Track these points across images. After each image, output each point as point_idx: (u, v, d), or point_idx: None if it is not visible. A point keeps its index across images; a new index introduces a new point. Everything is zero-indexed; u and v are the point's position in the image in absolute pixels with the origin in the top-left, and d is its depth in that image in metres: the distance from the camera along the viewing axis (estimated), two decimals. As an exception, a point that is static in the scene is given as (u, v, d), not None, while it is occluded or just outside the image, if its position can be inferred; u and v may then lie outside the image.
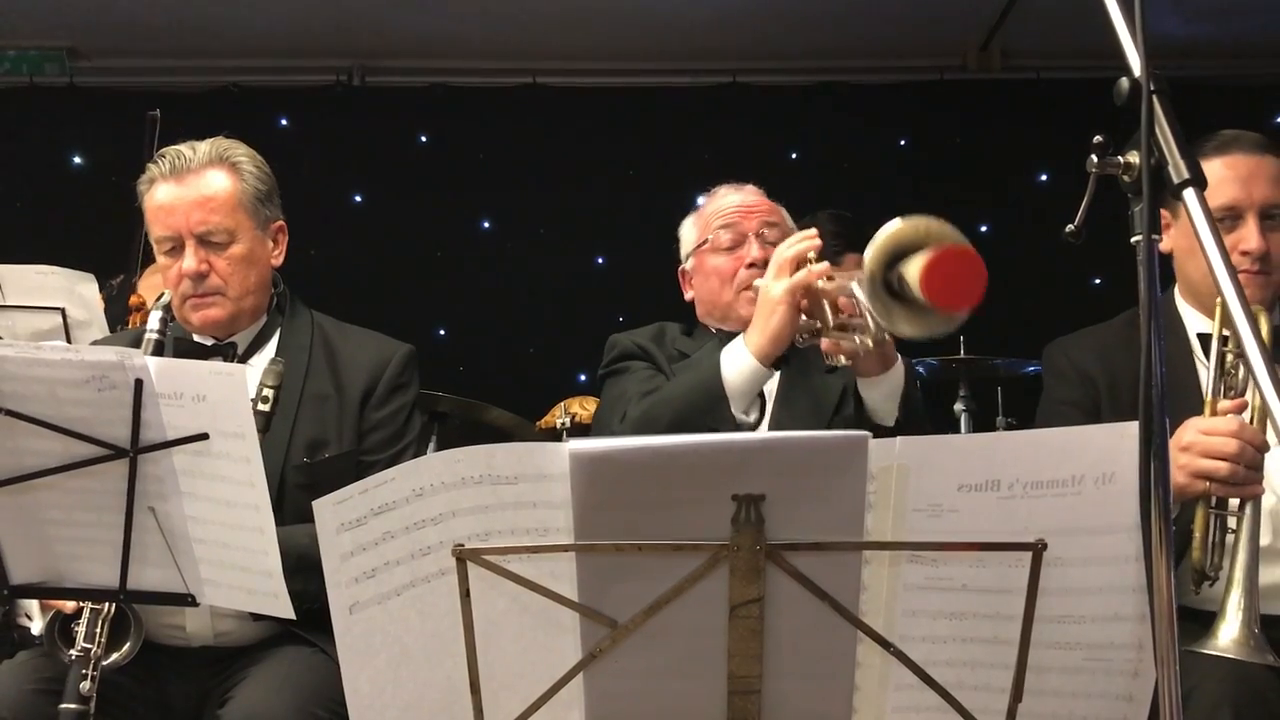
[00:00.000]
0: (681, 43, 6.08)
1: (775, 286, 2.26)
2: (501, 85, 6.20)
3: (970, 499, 1.38)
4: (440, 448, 3.78)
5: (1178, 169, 1.35)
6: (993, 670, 1.43)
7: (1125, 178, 1.41)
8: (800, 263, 2.27)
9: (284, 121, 6.15)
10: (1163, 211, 2.24)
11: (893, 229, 1.97)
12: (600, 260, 6.22)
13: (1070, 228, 1.49)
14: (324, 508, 1.37)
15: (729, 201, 2.64)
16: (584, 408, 3.92)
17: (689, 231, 2.73)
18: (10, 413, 1.71)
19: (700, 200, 2.76)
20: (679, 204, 5.82)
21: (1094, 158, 1.43)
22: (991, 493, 1.38)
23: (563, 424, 3.91)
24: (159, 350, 2.23)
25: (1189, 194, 1.34)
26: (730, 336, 2.44)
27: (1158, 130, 1.37)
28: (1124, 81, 1.39)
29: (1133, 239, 1.40)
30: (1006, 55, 6.36)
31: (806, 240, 2.30)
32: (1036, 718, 1.43)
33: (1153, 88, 1.37)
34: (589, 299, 6.00)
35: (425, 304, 5.93)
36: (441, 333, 6.01)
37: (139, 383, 1.70)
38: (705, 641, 1.40)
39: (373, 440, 2.45)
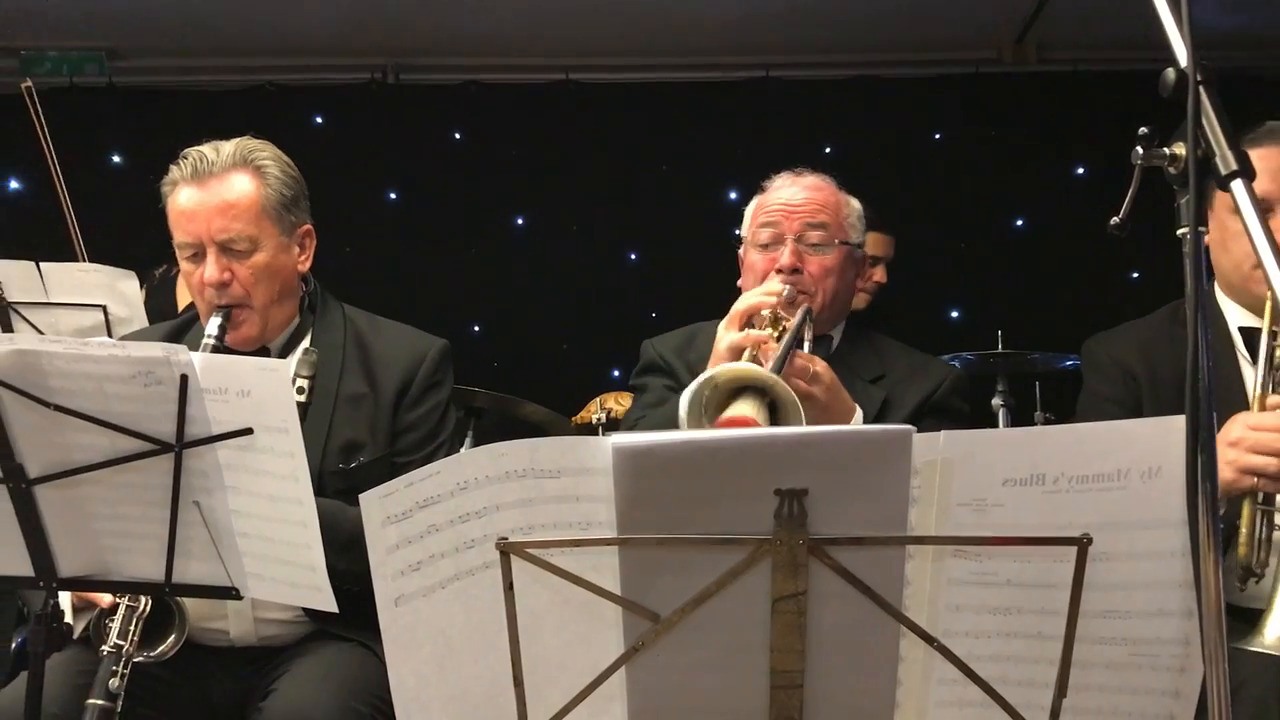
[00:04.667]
0: (715, 38, 6.07)
1: (723, 338, 2.27)
2: (535, 82, 6.21)
3: (1015, 493, 1.37)
4: (476, 443, 3.79)
5: (1225, 160, 1.34)
6: (1037, 665, 1.42)
7: (1171, 170, 1.40)
8: (753, 315, 2.28)
9: (319, 120, 6.19)
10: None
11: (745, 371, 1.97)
12: (633, 256, 6.23)
13: (1115, 221, 1.48)
14: (370, 501, 1.38)
15: (778, 197, 2.56)
16: (619, 403, 3.93)
17: (746, 217, 2.65)
18: (59, 408, 1.73)
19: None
20: (712, 200, 5.90)
21: (1139, 150, 1.42)
22: (1036, 487, 1.37)
23: (598, 419, 3.91)
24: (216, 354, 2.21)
25: (1237, 186, 1.33)
26: None
27: (1204, 121, 1.36)
28: (1170, 72, 1.38)
29: (1178, 231, 1.39)
30: (1042, 48, 6.31)
31: (764, 295, 2.32)
32: (1081, 713, 1.42)
33: (1199, 78, 1.36)
34: (622, 295, 6.01)
35: (459, 300, 5.97)
36: (476, 329, 6.04)
37: (184, 378, 1.71)
38: (747, 636, 1.39)
39: (407, 441, 2.43)
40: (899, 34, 6.04)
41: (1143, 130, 1.41)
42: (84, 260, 3.83)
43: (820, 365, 2.24)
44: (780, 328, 2.29)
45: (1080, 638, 1.39)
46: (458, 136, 6.25)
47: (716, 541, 1.35)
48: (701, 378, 1.96)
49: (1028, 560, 1.40)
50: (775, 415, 1.94)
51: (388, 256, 5.93)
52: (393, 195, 6.22)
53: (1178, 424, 1.35)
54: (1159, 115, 1.48)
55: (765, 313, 2.29)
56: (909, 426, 1.31)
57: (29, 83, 3.91)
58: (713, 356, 2.28)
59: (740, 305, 2.30)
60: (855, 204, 2.61)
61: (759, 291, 2.35)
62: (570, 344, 6.04)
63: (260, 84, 6.16)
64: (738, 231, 2.65)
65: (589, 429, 3.95)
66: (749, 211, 2.63)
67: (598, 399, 4.06)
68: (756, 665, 1.41)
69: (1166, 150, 1.40)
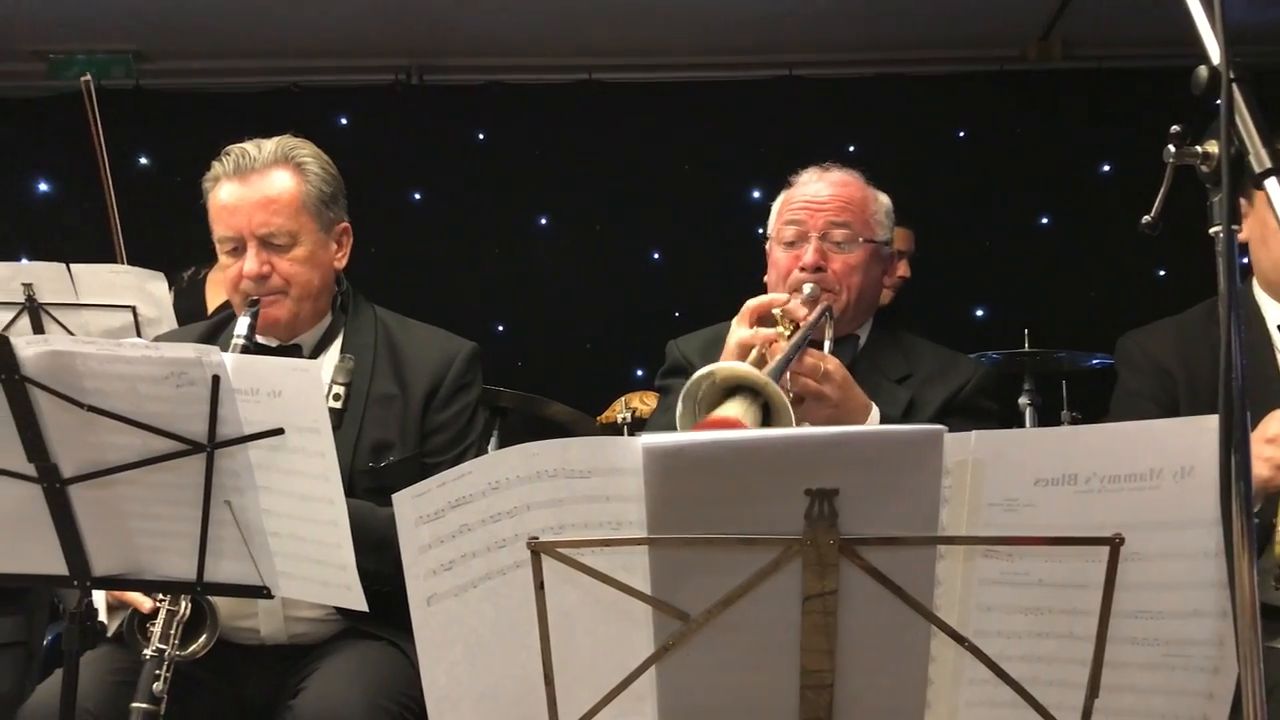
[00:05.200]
0: (737, 36, 6.07)
1: (733, 333, 2.26)
2: (558, 82, 6.23)
3: (1046, 493, 1.36)
4: (501, 443, 3.82)
5: (1259, 158, 1.33)
6: (1068, 665, 1.41)
7: (1204, 168, 1.39)
8: (765, 314, 2.27)
9: (343, 121, 6.22)
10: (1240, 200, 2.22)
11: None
12: (656, 256, 6.24)
13: (1146, 219, 1.47)
14: (403, 501, 1.39)
15: (804, 193, 2.52)
16: (644, 402, 3.93)
17: (772, 212, 2.62)
18: (93, 408, 1.74)
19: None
20: (735, 199, 5.89)
21: (1171, 148, 1.41)
22: (1068, 487, 1.36)
23: (623, 419, 3.92)
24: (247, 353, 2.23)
25: (1271, 184, 1.32)
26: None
27: (1237, 119, 1.35)
28: (1202, 70, 1.37)
29: (1211, 230, 1.38)
30: (1067, 45, 6.28)
31: (777, 294, 2.31)
32: (1114, 714, 1.41)
33: (1232, 75, 1.35)
34: (645, 295, 6.02)
35: (484, 300, 5.99)
36: (500, 329, 6.05)
37: (216, 379, 1.72)
38: (778, 636, 1.39)
39: (436, 442, 2.45)
40: (923, 32, 6.02)
41: (1175, 128, 1.40)
42: (124, 261, 3.86)
43: (832, 364, 2.22)
44: (794, 326, 2.27)
45: (1112, 638, 1.38)
46: (481, 137, 6.27)
47: (747, 541, 1.35)
48: (701, 372, 1.95)
49: (1059, 560, 1.39)
50: (768, 417, 1.93)
51: (412, 257, 5.96)
52: (417, 196, 6.24)
53: (1210, 423, 1.34)
54: (1186, 112, 1.47)
55: (777, 311, 2.27)
56: (940, 426, 1.31)
57: (87, 77, 3.96)
58: (724, 352, 2.28)
59: (752, 301, 2.29)
60: (884, 199, 2.57)
61: (772, 294, 2.35)
62: (594, 344, 6.05)
63: (285, 85, 6.20)
64: (761, 230, 2.63)
65: (614, 429, 3.96)
66: (775, 207, 2.60)
67: (623, 398, 4.06)
68: (786, 665, 1.41)
69: (1199, 148, 1.39)
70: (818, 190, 2.50)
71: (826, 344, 2.34)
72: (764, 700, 1.43)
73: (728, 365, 1.99)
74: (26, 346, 1.71)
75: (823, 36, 6.06)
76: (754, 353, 2.19)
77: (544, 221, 6.25)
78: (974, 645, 1.40)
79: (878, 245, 2.52)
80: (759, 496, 1.33)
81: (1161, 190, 1.44)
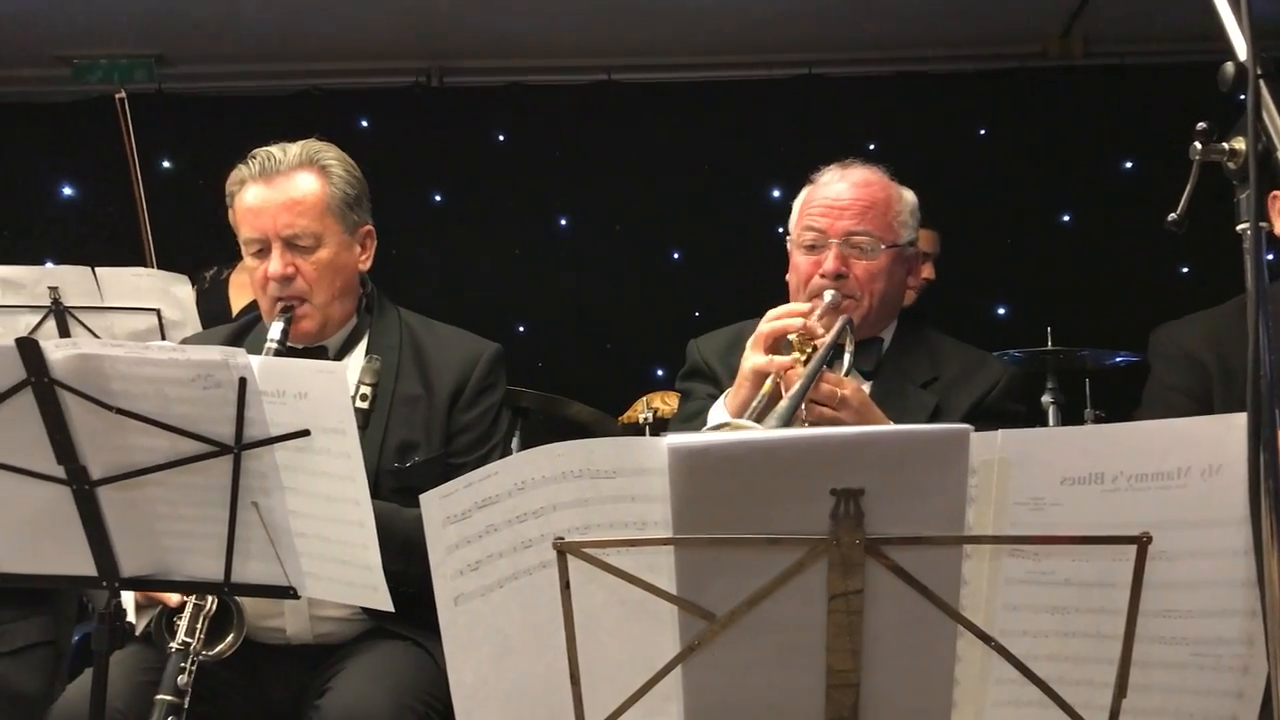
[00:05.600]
0: (757, 36, 6.06)
1: (748, 358, 2.23)
2: (577, 83, 6.24)
3: (1073, 492, 1.36)
4: (523, 443, 3.83)
5: (1287, 154, 1.32)
6: (1096, 665, 1.41)
7: (1230, 165, 1.38)
8: (779, 339, 2.23)
9: (364, 123, 6.25)
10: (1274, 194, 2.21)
11: None
12: (676, 256, 6.24)
13: (1172, 217, 1.46)
14: (430, 501, 1.40)
15: (824, 194, 2.45)
16: (666, 403, 3.94)
17: (793, 212, 2.54)
18: (121, 411, 1.75)
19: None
20: (755, 198, 5.88)
21: (1197, 145, 1.41)
22: (1095, 485, 1.36)
23: (645, 419, 3.93)
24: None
25: (1299, 180, 1.31)
26: None
27: (1265, 115, 1.34)
28: (1229, 66, 1.36)
29: (1239, 227, 1.37)
30: (1088, 42, 6.24)
31: (788, 318, 2.24)
32: (1142, 714, 1.41)
33: (1260, 71, 1.34)
34: (666, 295, 6.02)
35: (504, 301, 6.00)
36: (520, 329, 6.06)
37: (243, 381, 1.73)
38: (803, 635, 1.40)
39: (461, 442, 2.46)
40: (943, 29, 6.00)
41: (1201, 125, 1.40)
42: (154, 265, 3.89)
43: (849, 388, 2.18)
44: (811, 348, 2.22)
45: (1140, 637, 1.38)
46: (501, 138, 6.29)
47: (772, 541, 1.35)
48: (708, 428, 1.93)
49: (1086, 559, 1.39)
50: None
51: (433, 258, 5.98)
52: (438, 197, 6.26)
53: (1238, 421, 1.33)
54: (1209, 108, 1.47)
55: (793, 337, 2.22)
56: (967, 426, 1.31)
57: (122, 95, 4.01)
58: (738, 377, 2.24)
59: (765, 327, 2.24)
60: (908, 197, 2.50)
61: (787, 310, 2.28)
62: (614, 344, 6.06)
63: (306, 88, 6.23)
64: (781, 230, 2.59)
65: (635, 429, 3.96)
66: (796, 206, 2.53)
67: (644, 399, 4.07)
68: (812, 665, 1.41)
69: (1225, 145, 1.38)
70: (839, 192, 2.43)
71: (847, 356, 2.30)
72: (789, 700, 1.43)
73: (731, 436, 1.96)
74: (55, 350, 1.73)
75: (842, 35, 6.05)
76: (769, 382, 2.16)
77: (564, 222, 6.26)
78: (1000, 645, 1.40)
79: (901, 248, 2.46)
80: (784, 496, 1.34)
81: (1188, 187, 1.43)
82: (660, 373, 5.54)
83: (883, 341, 2.49)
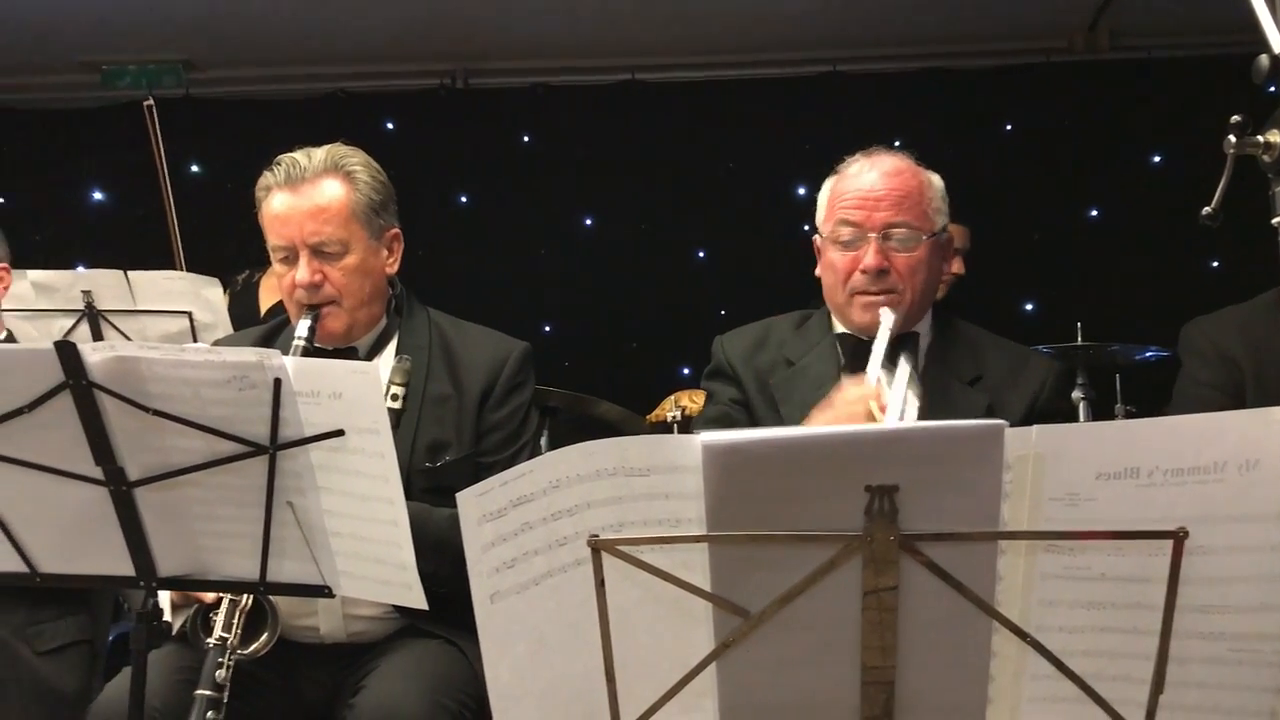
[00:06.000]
0: (780, 33, 6.06)
1: (851, 391, 2.17)
2: (601, 83, 6.26)
3: (1109, 487, 1.35)
4: (552, 442, 3.84)
5: (1323, 147, 1.32)
6: (1132, 660, 1.40)
7: (1265, 158, 1.38)
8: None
9: (390, 125, 6.28)
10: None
11: None
12: (701, 254, 6.24)
13: (1207, 211, 1.46)
14: (467, 499, 1.41)
15: (856, 185, 2.37)
16: (693, 401, 3.94)
17: (820, 205, 2.47)
18: (158, 412, 1.77)
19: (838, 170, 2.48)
20: (779, 196, 5.87)
21: (1232, 138, 1.40)
22: (1130, 480, 1.35)
23: (673, 417, 3.92)
24: (306, 356, 2.27)
25: (1336, 172, 1.30)
26: (847, 340, 2.40)
27: (1300, 107, 1.33)
28: (1263, 59, 1.36)
29: (1274, 220, 1.37)
30: (1115, 35, 6.22)
31: (863, 400, 2.17)
32: (1179, 709, 1.40)
33: (1295, 64, 1.33)
34: (691, 293, 6.02)
35: (530, 301, 6.02)
36: (547, 329, 6.08)
37: (278, 382, 1.74)
38: (838, 632, 1.40)
39: (490, 441, 2.47)
40: (968, 25, 5.98)
41: (1235, 118, 1.39)
42: (183, 269, 3.94)
43: None
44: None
45: (1177, 633, 1.37)
46: (526, 139, 6.31)
47: (807, 538, 1.35)
48: None
49: (1122, 554, 1.38)
50: None
51: (459, 259, 6.00)
52: (463, 198, 6.29)
53: (1276, 415, 1.33)
54: (1237, 101, 1.46)
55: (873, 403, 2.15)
56: (1001, 421, 1.30)
57: (150, 101, 4.07)
58: (838, 403, 2.16)
59: (854, 410, 2.14)
60: (937, 182, 2.43)
61: (860, 396, 2.16)
62: (639, 343, 6.07)
63: (332, 91, 6.27)
64: (806, 228, 2.55)
65: (663, 427, 3.97)
66: (823, 200, 2.45)
67: (672, 397, 4.07)
68: (847, 661, 1.41)
69: (1260, 138, 1.38)
70: (871, 183, 2.36)
71: (903, 365, 2.28)
72: (824, 697, 1.43)
73: None
74: (93, 353, 1.74)
75: (867, 31, 6.04)
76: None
77: (589, 222, 6.27)
78: (1036, 640, 1.40)
79: (937, 236, 2.40)
80: (818, 493, 1.34)
81: (1222, 181, 1.43)
82: (686, 371, 5.55)
83: (919, 336, 2.43)
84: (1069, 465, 1.35)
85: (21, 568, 1.91)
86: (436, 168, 6.07)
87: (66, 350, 1.73)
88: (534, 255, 6.17)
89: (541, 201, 6.15)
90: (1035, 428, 1.34)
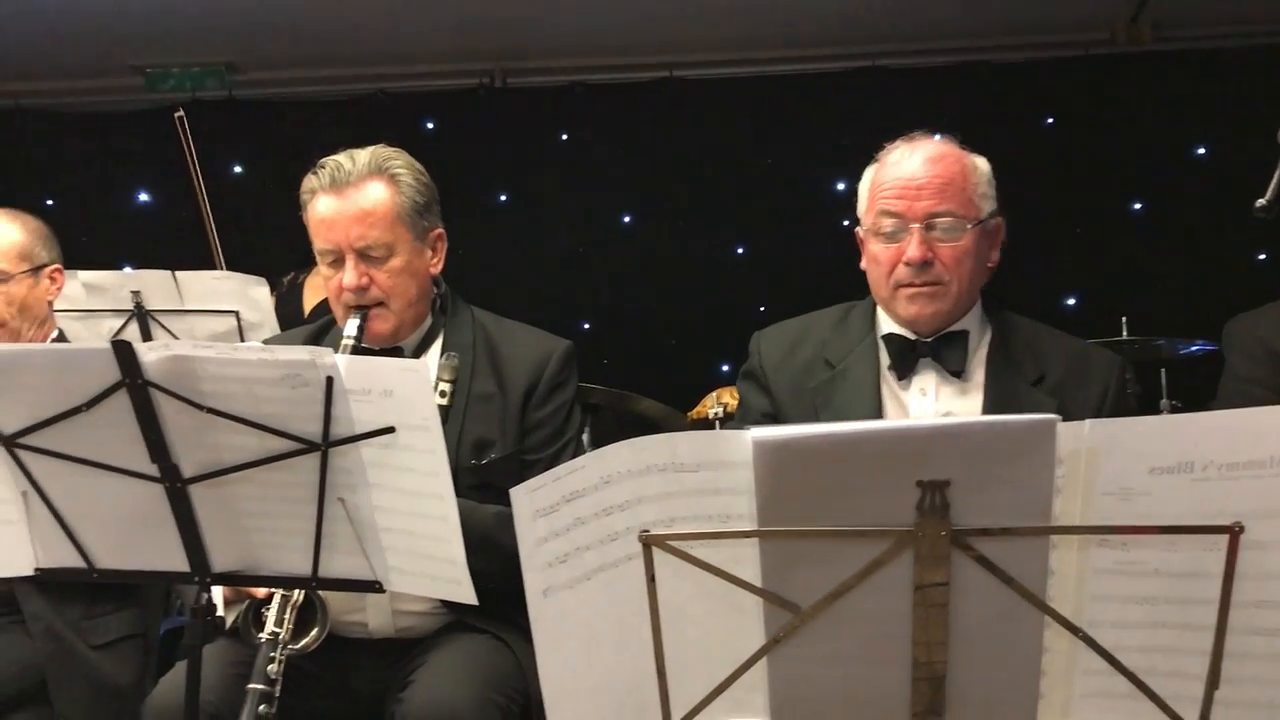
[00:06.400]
0: (818, 28, 6.04)
1: None
2: (639, 81, 6.27)
3: (1162, 481, 1.35)
4: (594, 439, 3.85)
5: (1378, 138, 1.30)
6: (1186, 656, 1.39)
7: (1317, 149, 1.36)
8: None
9: (430, 125, 6.32)
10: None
11: None
12: (740, 250, 6.24)
13: (1261, 203, 1.45)
14: (520, 495, 1.42)
15: (897, 174, 2.27)
16: (734, 398, 3.91)
17: (861, 196, 2.38)
18: (212, 410, 1.80)
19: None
20: (819, 191, 5.86)
21: (1283, 129, 1.39)
22: (1184, 475, 1.34)
23: (715, 414, 3.93)
24: (355, 354, 2.29)
25: (1393, 163, 1.29)
26: (892, 340, 2.33)
27: (1357, 98, 1.32)
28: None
29: (1327, 212, 1.36)
30: (1157, 27, 6.15)
31: None
32: (1235, 705, 1.39)
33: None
34: (730, 289, 6.03)
35: (569, 298, 6.04)
36: (586, 326, 6.10)
37: (330, 380, 1.76)
38: (889, 627, 1.40)
39: (534, 439, 2.47)
40: (1008, 17, 5.94)
41: (1289, 109, 1.38)
42: (222, 268, 3.99)
43: None
44: None
45: (1233, 628, 1.36)
46: (564, 137, 6.33)
47: (858, 533, 1.35)
48: None
49: (1176, 549, 1.37)
50: None
51: (498, 257, 6.03)
52: (503, 197, 6.32)
53: (1331, 409, 1.32)
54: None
55: None
56: (1054, 416, 1.30)
57: (180, 113, 4.14)
58: None
59: None
60: (983, 166, 2.33)
61: None
62: (679, 339, 6.07)
63: (372, 92, 6.32)
64: (846, 222, 2.49)
65: (705, 424, 3.97)
66: (864, 190, 2.36)
67: (714, 394, 4.07)
68: (898, 656, 1.41)
69: (1315, 129, 1.36)
70: (913, 170, 2.26)
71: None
72: (875, 692, 1.44)
73: None
74: (148, 352, 1.77)
75: (906, 26, 6.01)
76: None
77: (628, 219, 6.28)
78: (1088, 636, 1.39)
79: (984, 224, 2.29)
80: (869, 488, 1.34)
81: (1277, 173, 1.41)
82: (725, 368, 5.55)
83: (968, 334, 2.32)
84: (1121, 460, 1.35)
85: (80, 563, 1.94)
86: (476, 167, 6.10)
87: (123, 350, 1.76)
88: (573, 253, 6.19)
89: (580, 199, 6.17)
90: (1088, 422, 1.34)
